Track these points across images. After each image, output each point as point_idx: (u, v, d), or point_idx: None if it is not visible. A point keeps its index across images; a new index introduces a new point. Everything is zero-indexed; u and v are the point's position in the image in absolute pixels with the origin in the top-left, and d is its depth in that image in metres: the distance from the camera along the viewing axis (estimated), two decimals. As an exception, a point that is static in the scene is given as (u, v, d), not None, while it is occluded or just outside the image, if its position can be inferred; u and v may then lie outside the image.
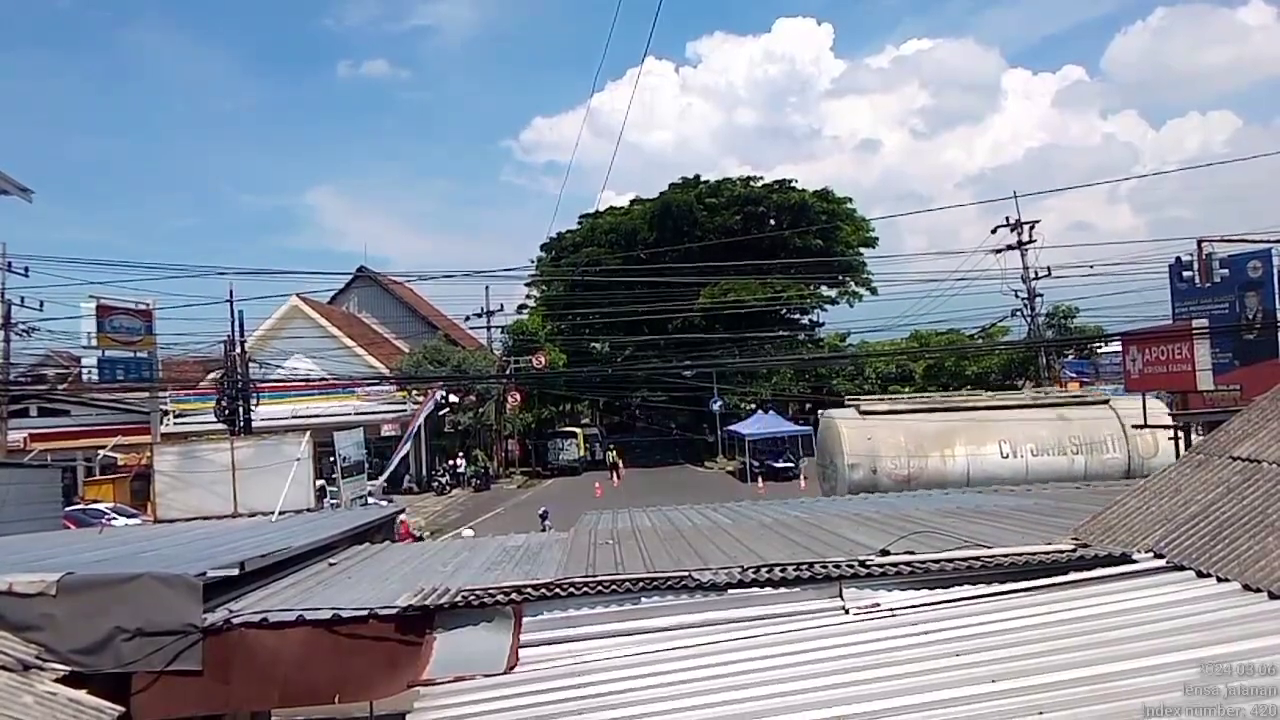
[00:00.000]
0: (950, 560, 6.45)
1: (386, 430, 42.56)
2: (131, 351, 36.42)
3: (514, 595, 6.33)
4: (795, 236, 54.41)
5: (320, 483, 27.81)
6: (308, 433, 24.30)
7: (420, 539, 27.51)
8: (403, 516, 32.36)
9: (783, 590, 6.32)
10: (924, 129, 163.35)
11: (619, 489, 42.28)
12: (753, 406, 53.18)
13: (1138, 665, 4.56)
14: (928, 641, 5.43)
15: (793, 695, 4.88)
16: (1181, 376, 20.65)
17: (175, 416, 41.44)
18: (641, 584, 6.37)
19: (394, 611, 6.27)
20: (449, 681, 5.93)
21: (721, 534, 9.44)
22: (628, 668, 5.66)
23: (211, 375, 40.36)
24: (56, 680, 5.91)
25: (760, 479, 41.75)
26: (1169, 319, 32.01)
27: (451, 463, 47.38)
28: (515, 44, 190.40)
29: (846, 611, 6.11)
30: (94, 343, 35.17)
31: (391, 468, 38.40)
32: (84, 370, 37.98)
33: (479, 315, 55.71)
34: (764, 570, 6.45)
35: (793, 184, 58.97)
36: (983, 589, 6.19)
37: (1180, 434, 18.80)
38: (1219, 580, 5.58)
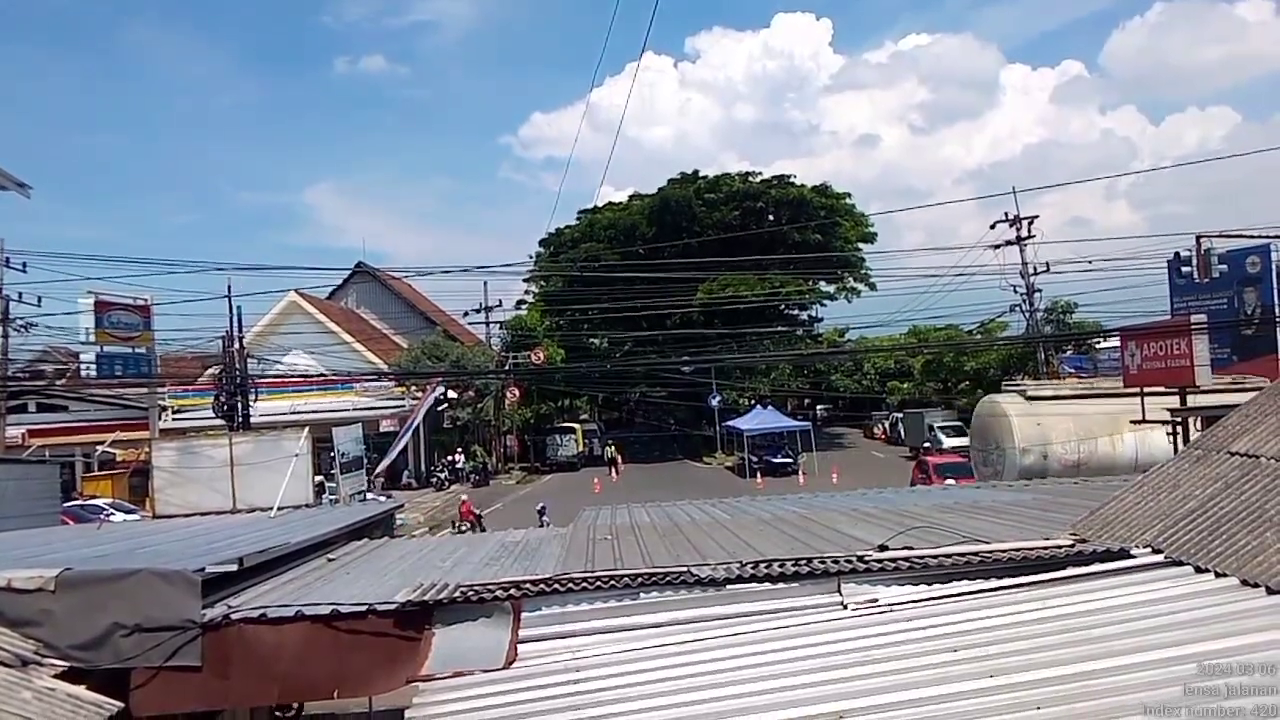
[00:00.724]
0: (948, 555, 6.46)
1: (385, 426, 42.51)
2: (130, 347, 36.36)
3: (513, 591, 6.33)
4: (794, 232, 54.38)
5: (319, 478, 27.80)
6: (306, 428, 24.27)
7: (480, 517, 28.54)
8: (464, 497, 33.21)
9: (781, 586, 6.32)
10: (923, 124, 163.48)
11: (618, 484, 42.30)
12: (751, 402, 53.21)
13: (1135, 660, 4.57)
14: (925, 637, 5.44)
15: (791, 690, 4.89)
16: (1180, 372, 20.68)
17: (174, 412, 41.40)
18: (640, 579, 6.37)
19: (393, 607, 6.28)
20: (448, 677, 5.94)
21: (720, 529, 9.44)
22: (626, 663, 5.67)
23: (210, 371, 40.31)
24: (55, 676, 5.91)
25: (759, 474, 41.77)
26: (1168, 314, 32.03)
27: (450, 458, 47.37)
28: (514, 40, 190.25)
29: (845, 607, 6.12)
30: (92, 338, 35.13)
31: (385, 462, 38.27)
32: (82, 366, 37.93)
33: (478, 311, 55.69)
34: (762, 566, 6.45)
35: (791, 179, 58.95)
36: (981, 584, 6.20)
37: (1179, 429, 18.80)
38: (1217, 575, 5.59)
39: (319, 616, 6.27)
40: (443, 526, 29.69)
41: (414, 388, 45.36)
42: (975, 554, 6.47)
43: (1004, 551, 6.52)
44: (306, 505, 19.16)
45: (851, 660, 5.21)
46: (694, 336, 50.76)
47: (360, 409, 41.78)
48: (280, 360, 41.71)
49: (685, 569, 6.46)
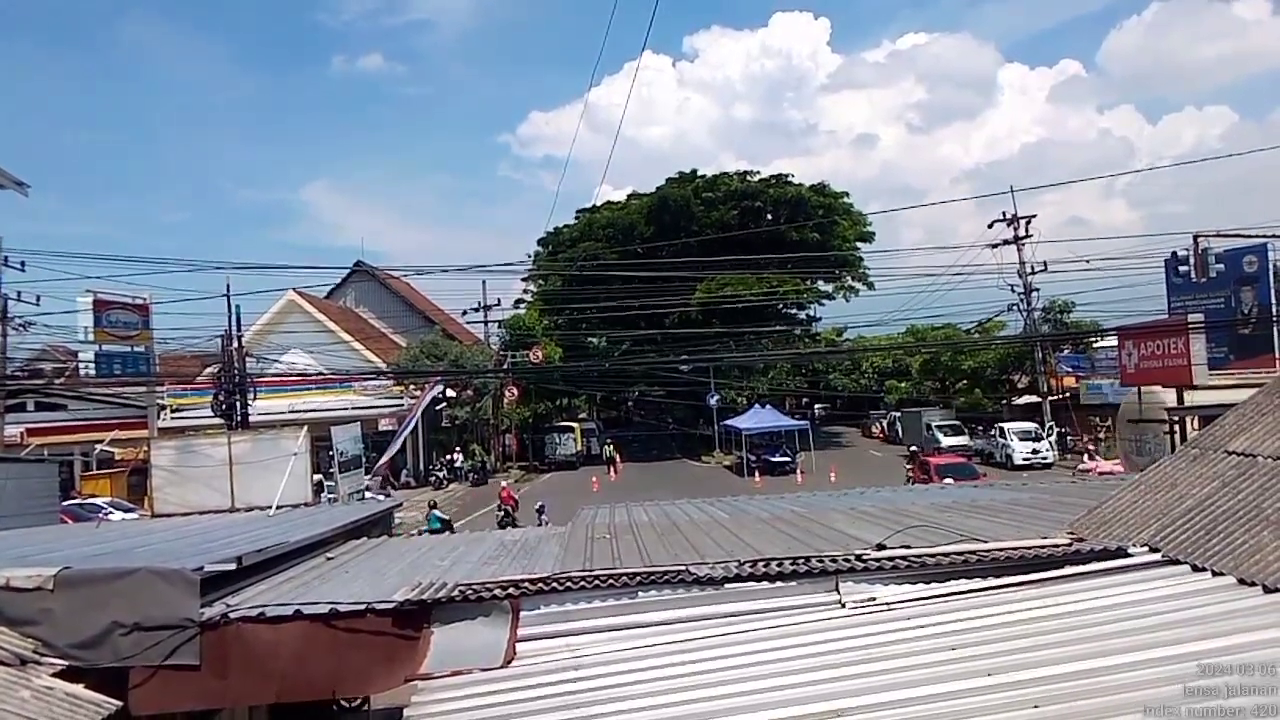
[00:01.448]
0: (946, 554, 6.47)
1: (384, 425, 42.49)
2: (129, 346, 36.30)
3: (511, 590, 6.34)
4: (792, 231, 54.36)
5: (318, 478, 27.77)
6: (305, 427, 24.24)
7: (517, 503, 29.51)
8: (505, 482, 33.66)
9: (779, 584, 6.33)
10: (920, 124, 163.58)
11: (616, 483, 42.29)
12: (749, 401, 53.20)
13: (1133, 659, 4.58)
14: (923, 635, 5.45)
15: (789, 689, 4.90)
16: (1177, 371, 20.73)
17: (172, 411, 41.38)
18: (638, 578, 6.38)
19: (391, 606, 6.28)
20: (446, 675, 5.94)
21: (718, 528, 9.44)
22: (624, 662, 5.67)
23: (209, 370, 40.27)
24: (54, 675, 5.92)
25: (757, 473, 41.79)
26: (1165, 313, 32.08)
27: (449, 457, 47.37)
28: (512, 39, 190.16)
29: (843, 605, 6.13)
30: (91, 337, 35.08)
31: (384, 459, 38.25)
32: (81, 365, 37.87)
33: (476, 310, 55.66)
34: (760, 565, 6.46)
35: (789, 178, 58.95)
36: (978, 583, 6.21)
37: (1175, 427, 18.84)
38: (1214, 574, 5.60)
39: (317, 615, 6.28)
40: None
41: (412, 387, 45.33)
42: (973, 553, 6.48)
43: (1002, 550, 6.53)
44: (305, 504, 19.13)
45: (849, 659, 5.22)
46: (692, 335, 50.76)
47: (359, 408, 41.77)
48: (279, 359, 41.66)
49: (683, 568, 6.47)
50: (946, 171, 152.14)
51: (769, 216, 57.83)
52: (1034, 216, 43.01)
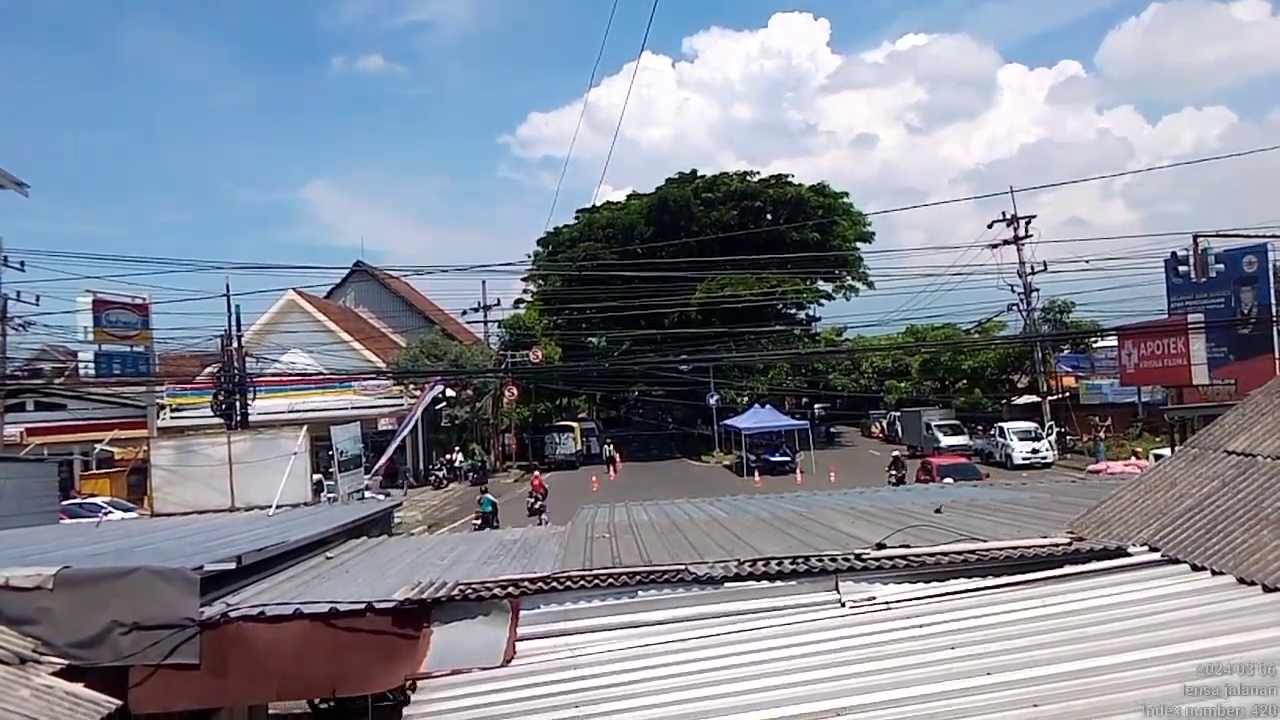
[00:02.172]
0: (945, 554, 6.47)
1: (384, 425, 42.48)
2: (128, 346, 36.32)
3: (511, 589, 6.34)
4: (792, 231, 54.38)
5: (317, 477, 27.77)
6: (304, 427, 24.23)
7: (547, 490, 30.48)
8: (536, 473, 34.15)
9: (779, 584, 6.33)
10: (920, 124, 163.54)
11: (616, 483, 42.28)
12: (749, 401, 53.21)
13: (1132, 658, 4.58)
14: (923, 635, 5.45)
15: (789, 688, 4.90)
16: (1177, 371, 20.75)
17: (172, 411, 41.32)
18: (638, 578, 6.38)
19: (391, 605, 6.28)
20: (446, 674, 5.94)
21: (718, 528, 9.45)
22: (624, 661, 5.67)
23: (208, 369, 40.25)
24: (53, 674, 5.92)
25: (757, 473, 41.78)
26: (1164, 314, 32.11)
27: (449, 456, 47.36)
28: (512, 39, 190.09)
29: (842, 605, 6.13)
30: (90, 337, 35.09)
31: (384, 459, 38.24)
32: (81, 364, 37.88)
33: (476, 310, 55.65)
34: (760, 564, 6.46)
35: (789, 179, 58.95)
36: (978, 582, 6.21)
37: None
38: (1214, 574, 5.60)
39: (317, 615, 6.28)
40: (441, 525, 29.67)
41: (412, 386, 45.32)
42: (972, 552, 6.48)
43: (1001, 550, 6.53)
44: (305, 504, 19.15)
45: (849, 658, 5.22)
46: (692, 335, 50.77)
47: (358, 408, 41.74)
48: (278, 359, 41.64)
49: (683, 567, 6.47)
50: (946, 172, 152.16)
51: (769, 217, 57.85)
52: (1033, 217, 43.08)
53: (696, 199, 57.20)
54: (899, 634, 5.52)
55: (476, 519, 27.66)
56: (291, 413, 37.75)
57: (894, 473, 31.29)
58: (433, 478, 44.73)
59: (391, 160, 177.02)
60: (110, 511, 26.51)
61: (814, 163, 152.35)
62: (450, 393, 47.36)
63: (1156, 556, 6.14)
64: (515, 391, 52.20)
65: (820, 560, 6.47)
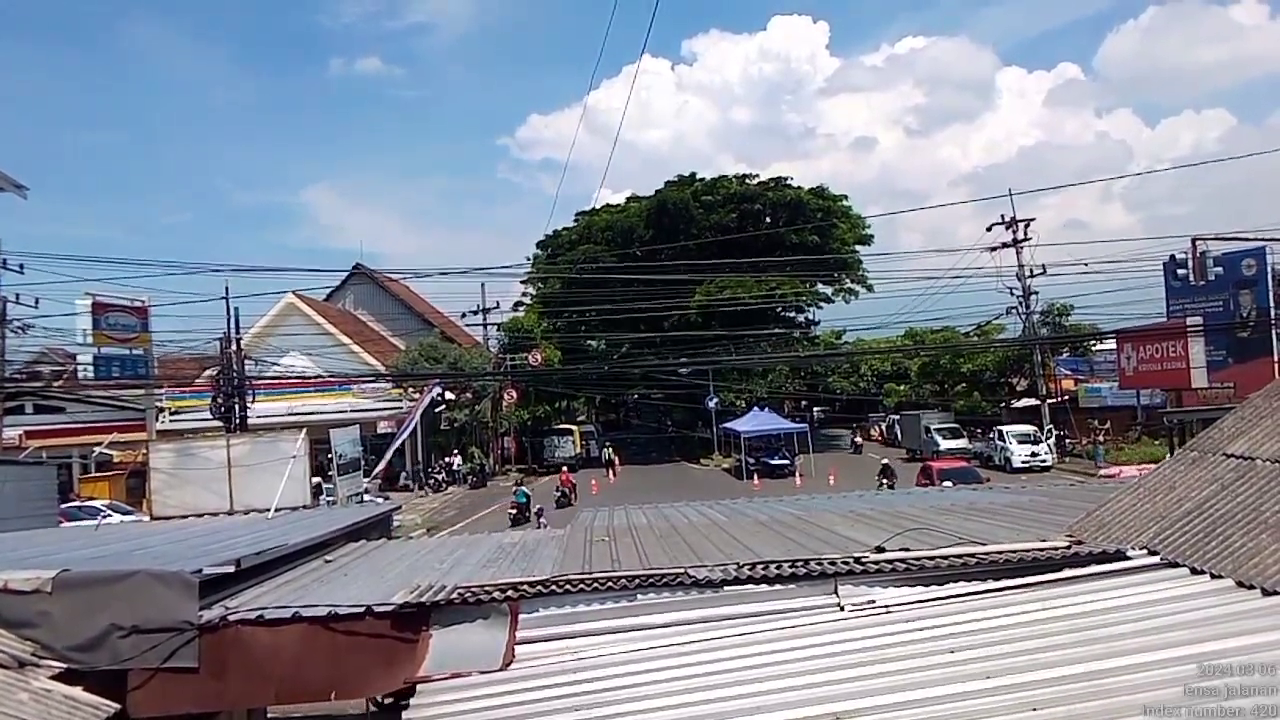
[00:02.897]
0: (945, 557, 6.47)
1: (383, 427, 42.47)
2: (127, 348, 36.29)
3: (510, 592, 6.34)
4: (791, 234, 54.41)
5: (316, 480, 27.77)
6: (303, 430, 24.24)
7: (574, 485, 33.14)
8: (564, 468, 37.39)
9: (778, 587, 6.33)
10: (918, 127, 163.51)
11: (615, 486, 42.28)
12: (748, 404, 53.19)
13: (1131, 662, 4.58)
14: (922, 638, 5.45)
15: (788, 691, 4.90)
16: (1176, 374, 20.74)
17: (171, 414, 41.31)
18: (637, 581, 6.38)
19: (390, 608, 6.27)
20: (445, 678, 5.94)
21: (717, 531, 9.45)
22: (624, 664, 5.67)
23: (207, 372, 40.24)
24: (52, 677, 5.91)
25: (756, 476, 41.78)
26: (1164, 317, 32.13)
27: (448, 459, 47.34)
28: (511, 41, 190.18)
29: (842, 608, 6.13)
30: (89, 340, 35.08)
31: (381, 464, 38.24)
32: (80, 367, 37.86)
33: (475, 312, 55.70)
34: (760, 567, 6.46)
35: (788, 181, 58.99)
36: (977, 586, 6.21)
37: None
38: (1213, 577, 5.60)
39: (316, 618, 6.27)
40: (440, 528, 29.66)
41: (411, 389, 45.32)
42: (972, 555, 6.48)
43: (1001, 553, 6.53)
44: (304, 507, 19.14)
45: (849, 661, 5.22)
46: (691, 338, 50.75)
47: (358, 411, 41.75)
48: (278, 362, 41.65)
49: (682, 570, 6.47)
50: (945, 174, 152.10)
51: (768, 219, 57.89)
52: (1033, 219, 43.17)
53: (696, 202, 57.23)
54: (898, 637, 5.52)
55: (512, 509, 30.40)
56: (290, 416, 37.77)
57: (883, 480, 30.77)
58: (432, 481, 44.70)
59: (391, 162, 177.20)
60: (109, 514, 26.50)
61: (813, 165, 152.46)
62: (449, 396, 47.36)
63: (1156, 560, 6.14)
64: (514, 394, 52.18)
65: (819, 564, 6.47)
